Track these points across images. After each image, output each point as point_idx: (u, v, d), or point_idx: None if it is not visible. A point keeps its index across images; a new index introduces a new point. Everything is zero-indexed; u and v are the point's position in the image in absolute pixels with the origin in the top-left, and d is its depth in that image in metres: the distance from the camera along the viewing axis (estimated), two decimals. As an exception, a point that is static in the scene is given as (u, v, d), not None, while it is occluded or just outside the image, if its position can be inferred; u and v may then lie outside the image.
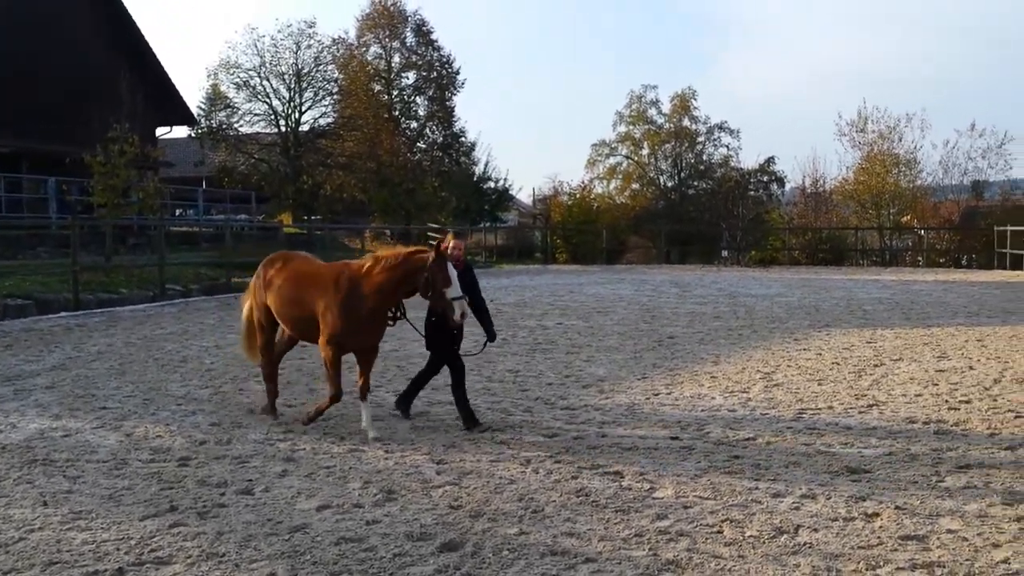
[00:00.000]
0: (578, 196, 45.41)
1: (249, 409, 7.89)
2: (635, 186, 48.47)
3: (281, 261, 7.61)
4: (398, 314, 7.29)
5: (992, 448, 6.51)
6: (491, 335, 7.82)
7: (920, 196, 40.06)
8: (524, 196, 58.14)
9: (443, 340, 7.41)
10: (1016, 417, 7.54)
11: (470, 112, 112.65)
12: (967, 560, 4.32)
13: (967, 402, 8.21)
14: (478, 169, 47.21)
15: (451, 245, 7.18)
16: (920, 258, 37.43)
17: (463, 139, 46.70)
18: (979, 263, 35.29)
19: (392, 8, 44.82)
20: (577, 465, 6.07)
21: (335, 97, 40.69)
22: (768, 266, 37.01)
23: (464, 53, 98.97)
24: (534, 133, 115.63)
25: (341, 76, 41.07)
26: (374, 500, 5.32)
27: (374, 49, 45.40)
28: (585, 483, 5.64)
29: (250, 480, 5.73)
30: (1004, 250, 33.66)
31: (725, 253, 39.46)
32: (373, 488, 5.54)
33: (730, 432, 7.09)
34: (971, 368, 10.13)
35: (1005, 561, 4.29)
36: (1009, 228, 33.32)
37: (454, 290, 6.72)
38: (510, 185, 48.33)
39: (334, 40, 41.49)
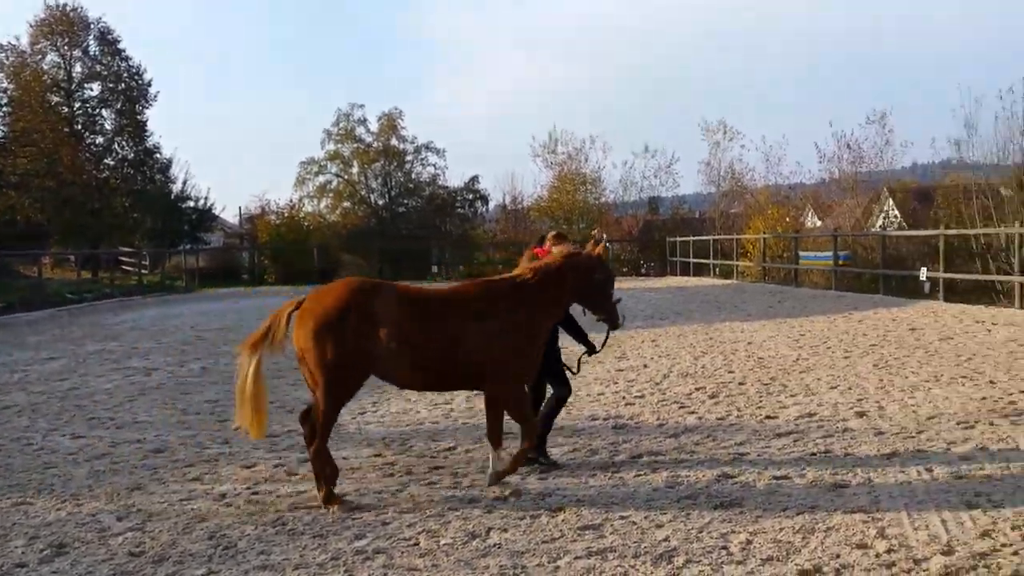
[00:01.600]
0: (287, 215, 44.29)
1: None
2: (346, 204, 48.21)
3: (377, 291, 5.65)
4: None
5: (660, 437, 7.29)
6: (590, 345, 6.73)
7: (605, 211, 43.97)
8: (230, 215, 55.52)
9: (555, 359, 6.53)
10: (680, 408, 8.50)
11: (167, 127, 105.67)
12: (635, 542, 4.78)
13: (641, 397, 9.11)
14: (175, 187, 44.20)
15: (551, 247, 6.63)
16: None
17: (157, 155, 43.56)
18: (656, 271, 39.42)
19: (72, 15, 40.84)
20: (275, 495, 5.91)
21: (5, 109, 36.27)
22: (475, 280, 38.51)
23: (158, 65, 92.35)
24: (240, 150, 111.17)
25: (11, 86, 36.71)
26: (40, 557, 4.79)
27: (51, 57, 41.11)
28: (283, 512, 5.50)
29: None
30: (675, 258, 37.90)
31: (435, 269, 40.48)
32: (40, 544, 4.98)
33: (432, 444, 7.28)
34: (645, 366, 11.26)
35: (666, 540, 4.81)
36: (678, 239, 37.65)
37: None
38: (212, 204, 45.85)
39: (2, 46, 37.03)
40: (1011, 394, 8.55)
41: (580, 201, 43.13)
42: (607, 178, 45.17)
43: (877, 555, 4.47)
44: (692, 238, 37.05)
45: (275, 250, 41.27)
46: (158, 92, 42.89)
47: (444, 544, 4.81)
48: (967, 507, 5.17)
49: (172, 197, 43.62)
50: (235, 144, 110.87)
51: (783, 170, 38.79)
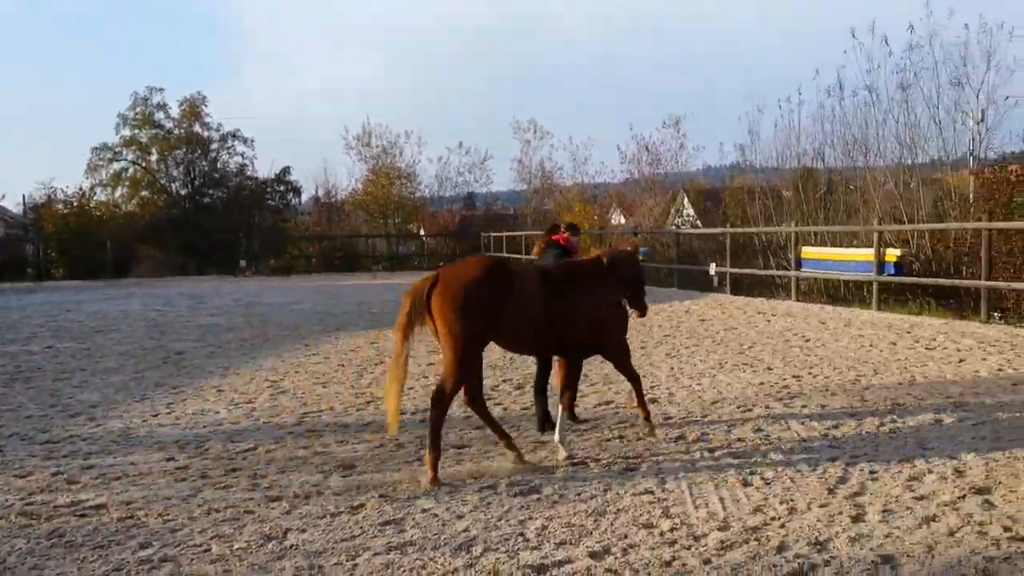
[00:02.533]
0: (77, 204, 40.99)
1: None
2: (144, 193, 45.29)
3: (507, 269, 6.22)
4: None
5: (467, 429, 7.38)
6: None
7: (421, 206, 44.02)
8: (11, 204, 50.72)
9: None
10: (487, 400, 8.64)
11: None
12: (435, 534, 4.82)
13: (449, 391, 9.18)
14: (-57, 172, 39.75)
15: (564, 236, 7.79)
16: (423, 262, 41.07)
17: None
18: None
19: None
20: (53, 505, 5.47)
21: None
22: (288, 275, 37.40)
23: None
24: (21, 134, 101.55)
25: None
26: None
27: None
28: (61, 524, 5.10)
29: None
30: (489, 253, 38.53)
31: (244, 263, 38.87)
32: None
33: (231, 445, 6.99)
34: (456, 360, 11.36)
35: (466, 530, 4.88)
36: (492, 234, 38.33)
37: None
38: (-12, 191, 41.63)
39: None
40: (785, 379, 9.37)
41: (395, 195, 42.92)
42: (422, 173, 45.31)
43: (661, 533, 4.76)
44: (505, 233, 37.82)
45: (63, 242, 38.10)
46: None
47: (237, 548, 4.64)
48: (743, 485, 5.61)
49: (-62, 182, 39.19)
50: (16, 125, 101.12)
51: (589, 170, 40.46)
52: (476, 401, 6.30)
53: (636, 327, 14.45)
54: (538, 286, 6.32)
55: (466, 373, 6.06)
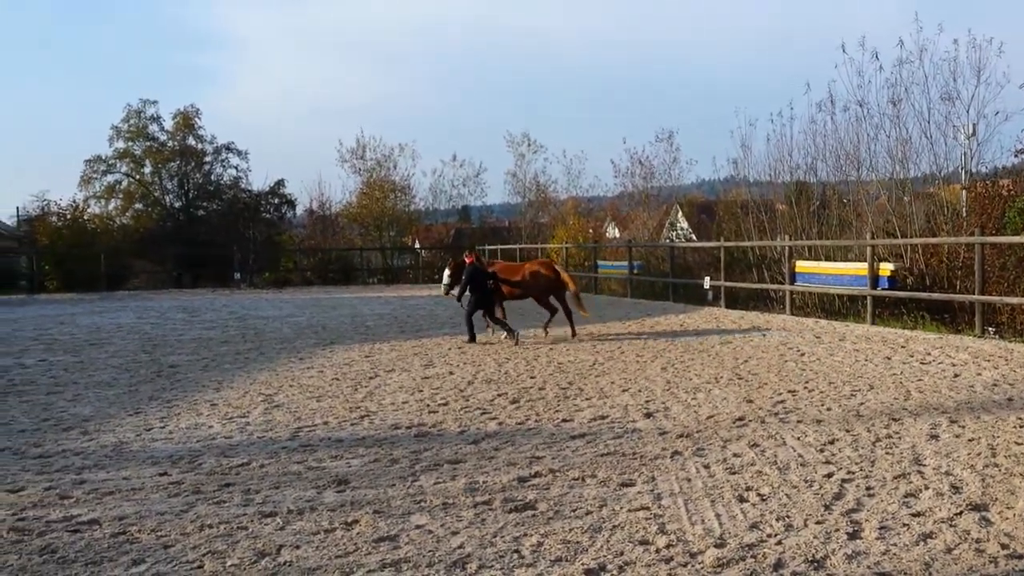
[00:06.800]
0: (70, 217, 40.93)
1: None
2: (138, 206, 45.33)
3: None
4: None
5: (461, 444, 7.35)
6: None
7: (415, 219, 44.04)
8: (5, 216, 50.62)
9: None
10: (483, 414, 8.63)
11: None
12: (430, 551, 4.79)
13: (445, 404, 9.17)
14: (-63, 184, 39.53)
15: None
16: (418, 275, 41.03)
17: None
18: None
19: None
20: (46, 520, 5.42)
21: None
22: (282, 287, 37.36)
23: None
24: (15, 146, 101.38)
25: None
26: None
27: None
28: (53, 539, 5.05)
29: None
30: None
31: (238, 276, 38.81)
32: None
33: (224, 460, 6.95)
34: (451, 373, 11.35)
35: (461, 547, 4.85)
36: (487, 247, 38.30)
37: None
38: (-18, 204, 41.37)
39: None
40: (780, 394, 9.37)
41: (390, 208, 42.95)
42: (417, 185, 45.39)
43: (657, 550, 4.73)
44: (500, 247, 37.84)
45: (57, 254, 37.99)
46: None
47: (231, 565, 4.59)
48: (739, 500, 5.59)
49: (-68, 194, 39.01)
50: (9, 137, 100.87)
51: (583, 183, 40.57)
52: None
53: (631, 341, 14.45)
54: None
55: None
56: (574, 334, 15.35)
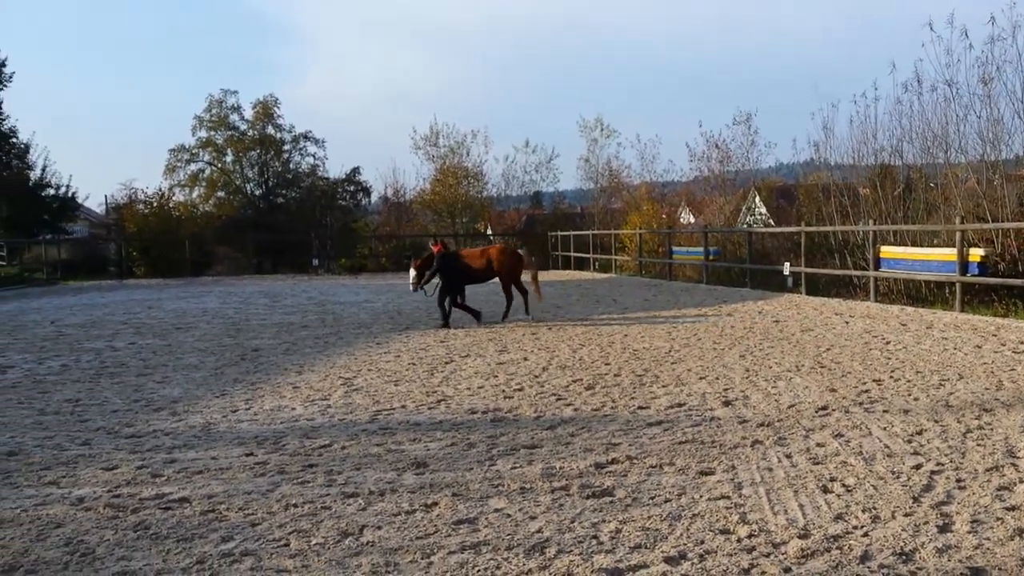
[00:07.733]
0: (156, 204, 42.36)
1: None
2: (220, 194, 46.63)
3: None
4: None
5: (537, 429, 7.37)
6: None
7: (488, 205, 44.17)
8: (95, 204, 52.77)
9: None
10: (558, 400, 8.63)
11: (23, 110, 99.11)
12: (509, 535, 4.82)
13: (520, 390, 9.20)
14: (34, 174, 41.16)
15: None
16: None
17: (14, 140, 40.45)
18: (540, 265, 39.95)
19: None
20: (139, 497, 5.64)
21: None
22: (358, 273, 38.00)
23: (14, 45, 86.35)
24: (105, 135, 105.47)
25: None
26: None
27: None
28: (146, 516, 5.26)
29: None
30: (556, 252, 38.51)
31: (316, 262, 39.64)
32: None
33: (307, 441, 7.12)
34: (525, 359, 11.38)
35: (539, 531, 4.87)
36: (559, 233, 38.25)
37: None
38: (75, 192, 42.78)
39: None
40: (865, 383, 9.11)
41: (463, 194, 43.18)
42: (489, 172, 45.49)
43: (739, 540, 4.66)
44: (573, 233, 37.71)
45: (144, 241, 39.42)
46: (13, 73, 39.98)
47: (315, 544, 4.71)
48: (823, 491, 5.46)
49: (30, 184, 40.74)
50: (100, 130, 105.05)
51: (657, 168, 40.03)
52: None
53: (708, 328, 14.24)
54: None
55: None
56: (527, 311, 16.52)
